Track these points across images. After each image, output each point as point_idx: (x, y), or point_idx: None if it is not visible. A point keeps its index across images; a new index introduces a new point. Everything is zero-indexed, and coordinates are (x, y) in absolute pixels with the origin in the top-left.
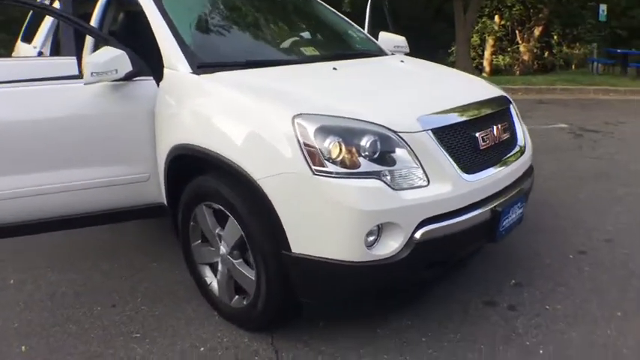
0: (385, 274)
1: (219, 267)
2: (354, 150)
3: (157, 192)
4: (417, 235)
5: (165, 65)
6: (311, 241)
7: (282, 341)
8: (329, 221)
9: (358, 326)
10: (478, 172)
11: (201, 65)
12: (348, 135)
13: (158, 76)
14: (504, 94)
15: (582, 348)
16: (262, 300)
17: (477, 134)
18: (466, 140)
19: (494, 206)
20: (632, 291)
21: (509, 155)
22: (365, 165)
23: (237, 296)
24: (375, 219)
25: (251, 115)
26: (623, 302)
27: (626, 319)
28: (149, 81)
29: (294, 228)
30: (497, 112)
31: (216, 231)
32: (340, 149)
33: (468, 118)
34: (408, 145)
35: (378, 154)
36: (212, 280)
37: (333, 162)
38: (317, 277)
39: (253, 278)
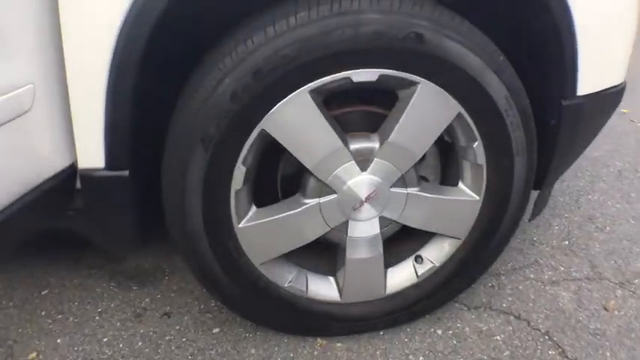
0: None
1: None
2: None
3: (59, 137)
4: None
5: None
6: (603, 64)
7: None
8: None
9: None
10: None
11: None
12: None
13: None
14: None
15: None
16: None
17: None
18: None
19: None
20: None
21: None
22: None
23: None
24: None
25: None
26: None
27: None
28: None
29: (592, 44)
30: None
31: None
32: None
33: None
34: None
35: None
36: (306, 275)
37: None
38: (593, 124)
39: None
